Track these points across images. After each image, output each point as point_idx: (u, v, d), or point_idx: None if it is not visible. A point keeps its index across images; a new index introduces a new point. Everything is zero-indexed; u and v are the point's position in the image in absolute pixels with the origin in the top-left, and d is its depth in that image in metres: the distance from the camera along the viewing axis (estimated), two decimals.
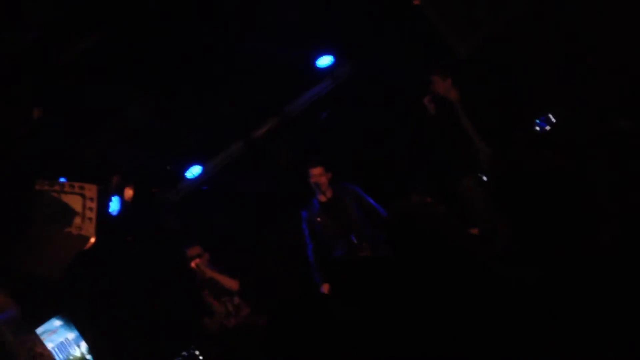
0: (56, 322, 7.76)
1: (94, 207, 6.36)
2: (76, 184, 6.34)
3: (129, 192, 8.05)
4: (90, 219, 6.30)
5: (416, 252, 4.46)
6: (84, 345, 7.79)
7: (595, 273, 3.37)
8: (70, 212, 6.18)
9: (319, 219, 7.68)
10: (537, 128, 5.50)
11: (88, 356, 7.73)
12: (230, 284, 8.03)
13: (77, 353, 7.69)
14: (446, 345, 3.76)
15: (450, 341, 3.71)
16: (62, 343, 7.68)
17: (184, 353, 7.35)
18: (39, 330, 7.01)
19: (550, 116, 5.46)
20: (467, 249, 4.24)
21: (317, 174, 7.63)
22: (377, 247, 7.44)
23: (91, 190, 6.36)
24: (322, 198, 7.67)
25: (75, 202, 6.26)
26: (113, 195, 7.90)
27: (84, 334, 7.78)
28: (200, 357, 7.37)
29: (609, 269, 3.31)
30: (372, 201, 7.71)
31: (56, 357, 7.31)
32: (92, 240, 6.33)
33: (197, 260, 8.00)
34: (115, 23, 6.82)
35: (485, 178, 6.24)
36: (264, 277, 8.81)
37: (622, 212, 3.20)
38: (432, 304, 4.03)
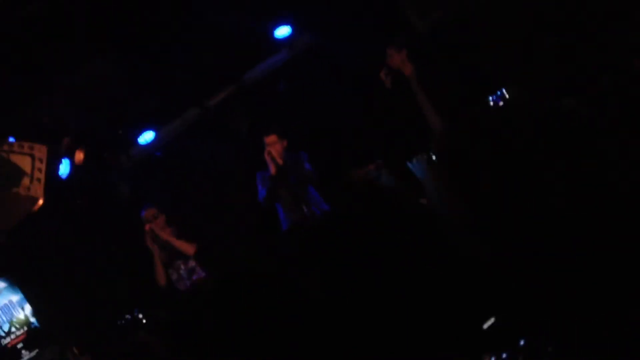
0: (0, 284, 7.67)
1: (43, 169, 6.26)
2: (25, 144, 6.22)
3: (79, 155, 7.94)
4: (39, 180, 6.18)
5: (364, 221, 4.48)
6: (28, 308, 7.71)
7: (544, 248, 3.42)
8: (18, 173, 6.07)
9: (270, 185, 7.76)
10: (491, 104, 5.52)
11: (32, 319, 7.65)
12: (186, 248, 7.95)
13: (21, 316, 7.61)
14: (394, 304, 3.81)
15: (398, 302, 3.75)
16: (5, 305, 7.60)
17: (128, 316, 7.30)
18: None
19: (504, 92, 5.49)
20: (416, 220, 4.27)
21: (270, 142, 7.68)
22: (322, 214, 7.55)
23: (41, 151, 6.24)
24: (274, 166, 7.71)
25: (24, 162, 6.14)
26: (63, 157, 7.80)
27: (29, 297, 7.69)
28: (144, 321, 7.31)
29: (557, 242, 3.37)
30: (309, 169, 7.76)
31: None
32: (40, 202, 6.24)
33: (151, 225, 7.93)
34: None
35: (434, 157, 6.25)
36: (219, 243, 8.76)
37: (567, 186, 3.28)
38: (383, 273, 4.06)
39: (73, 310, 8.04)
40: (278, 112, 8.90)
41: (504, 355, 3.53)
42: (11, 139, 6.40)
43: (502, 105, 5.33)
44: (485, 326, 3.77)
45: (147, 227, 7.93)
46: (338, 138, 8.65)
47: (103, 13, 7.26)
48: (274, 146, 7.68)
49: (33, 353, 7.43)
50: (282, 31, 8.40)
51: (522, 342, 3.48)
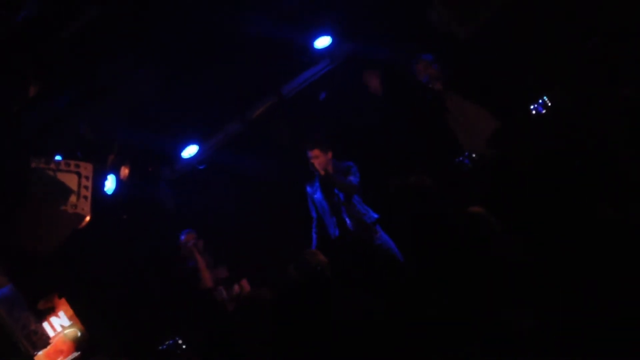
0: None
1: (90, 186, 6.35)
2: (72, 162, 6.33)
3: (125, 171, 8.03)
4: (85, 197, 6.29)
5: (409, 234, 4.46)
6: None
7: (593, 255, 3.38)
8: (65, 191, 6.18)
9: (316, 197, 7.82)
10: (534, 112, 5.48)
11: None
12: (221, 274, 8.09)
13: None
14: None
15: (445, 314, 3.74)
16: None
17: (169, 341, 7.34)
18: None
19: (546, 99, 5.44)
20: (461, 230, 4.25)
21: (313, 155, 7.72)
22: (364, 228, 7.56)
23: (87, 169, 6.35)
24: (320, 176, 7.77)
25: (70, 180, 6.25)
26: (109, 173, 7.88)
27: (79, 312, 7.74)
28: (183, 346, 7.34)
29: (606, 249, 3.33)
30: (352, 179, 7.75)
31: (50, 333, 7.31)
32: (88, 218, 6.32)
33: (192, 247, 8.04)
34: None
35: (475, 156, 6.22)
36: (265, 256, 8.76)
37: (622, 189, 3.25)
38: (427, 287, 4.04)
39: (121, 326, 8.10)
40: (320, 122, 8.90)
41: None
42: (58, 157, 6.52)
43: (547, 112, 5.28)
44: None
45: (188, 247, 8.04)
46: (381, 146, 8.61)
47: (146, 28, 7.32)
48: (317, 160, 7.73)
49: None
50: (322, 42, 8.40)
51: None
